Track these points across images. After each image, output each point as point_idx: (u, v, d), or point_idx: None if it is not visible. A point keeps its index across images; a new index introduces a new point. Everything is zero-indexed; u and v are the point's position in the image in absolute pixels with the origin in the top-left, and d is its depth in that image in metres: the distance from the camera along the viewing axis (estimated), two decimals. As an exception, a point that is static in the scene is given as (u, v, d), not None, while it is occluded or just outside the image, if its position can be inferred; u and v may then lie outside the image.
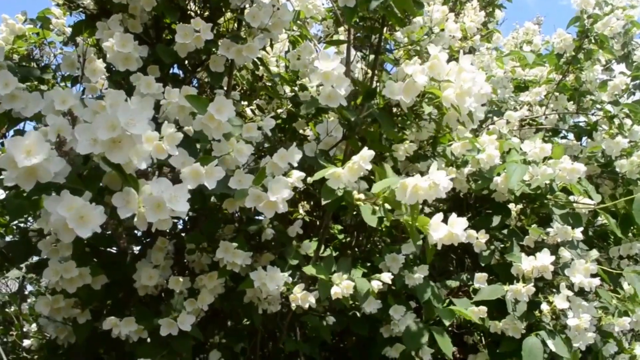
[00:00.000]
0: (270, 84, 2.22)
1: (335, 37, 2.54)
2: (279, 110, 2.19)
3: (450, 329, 2.58)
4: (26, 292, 2.68)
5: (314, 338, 1.99)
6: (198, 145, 1.42)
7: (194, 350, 1.83)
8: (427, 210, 2.69)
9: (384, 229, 2.34)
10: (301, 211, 2.24)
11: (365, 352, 2.13)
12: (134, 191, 1.13)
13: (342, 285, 1.52)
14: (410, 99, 1.59)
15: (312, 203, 2.18)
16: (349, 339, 2.41)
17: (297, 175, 1.44)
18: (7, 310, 2.69)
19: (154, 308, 1.61)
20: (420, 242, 1.59)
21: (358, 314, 2.09)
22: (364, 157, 1.45)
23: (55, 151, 1.08)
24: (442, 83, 1.60)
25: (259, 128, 1.55)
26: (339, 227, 2.50)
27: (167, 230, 1.81)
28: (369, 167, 1.47)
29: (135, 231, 1.88)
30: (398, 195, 1.40)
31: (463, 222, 1.43)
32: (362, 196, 1.53)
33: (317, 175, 1.51)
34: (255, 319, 1.76)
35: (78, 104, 1.24)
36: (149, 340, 1.53)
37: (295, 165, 1.47)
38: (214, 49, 1.63)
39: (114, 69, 1.58)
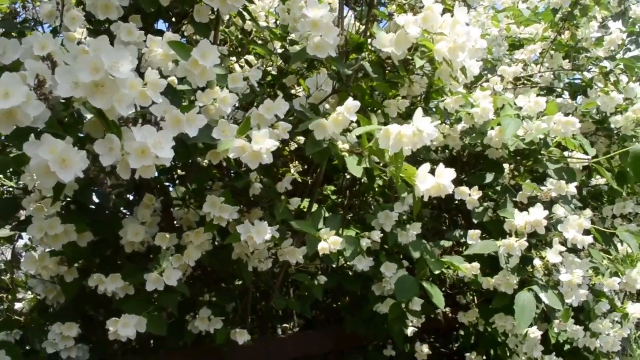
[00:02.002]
0: (260, 41, 2.16)
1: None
2: (269, 68, 2.14)
3: (443, 289, 2.59)
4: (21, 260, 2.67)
5: (305, 297, 1.98)
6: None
7: (183, 308, 1.82)
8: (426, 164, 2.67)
9: (377, 189, 2.32)
10: (292, 171, 2.22)
11: (357, 310, 2.13)
12: (117, 138, 1.09)
13: (329, 241, 1.49)
14: (402, 52, 1.54)
15: (305, 166, 2.15)
16: (342, 299, 2.41)
17: (283, 126, 1.40)
18: (2, 277, 2.68)
19: (141, 265, 1.59)
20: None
21: (350, 273, 2.09)
22: (349, 108, 1.41)
23: (34, 93, 1.03)
24: (435, 36, 1.55)
25: (245, 79, 1.51)
26: (332, 188, 2.48)
27: (156, 186, 1.79)
28: (354, 118, 1.44)
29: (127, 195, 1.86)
30: (381, 143, 1.36)
31: (451, 172, 1.38)
32: (346, 146, 1.49)
33: (302, 127, 1.48)
34: (245, 276, 1.74)
35: (58, 50, 1.19)
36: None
37: (282, 117, 1.43)
38: (198, -1, 1.57)
39: (93, 20, 1.53)
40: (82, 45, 1.16)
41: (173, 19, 1.82)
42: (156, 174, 1.77)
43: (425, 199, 1.43)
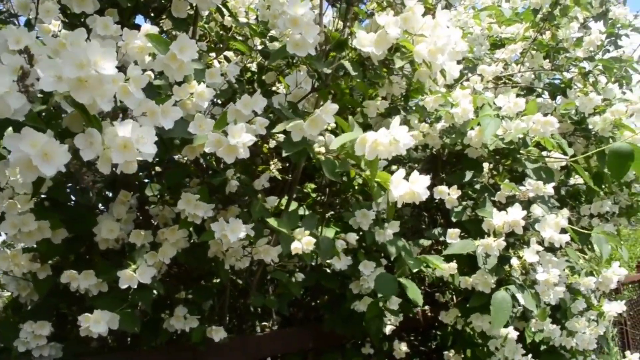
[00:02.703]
0: (240, 37, 2.15)
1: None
2: (249, 64, 2.13)
3: (422, 287, 2.60)
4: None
5: (284, 295, 1.98)
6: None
7: (159, 306, 1.80)
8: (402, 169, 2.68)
9: (357, 187, 2.32)
10: (272, 169, 2.21)
11: (336, 309, 2.13)
12: (98, 133, 1.08)
13: (303, 241, 1.49)
14: (382, 52, 1.53)
15: (286, 164, 2.14)
16: (321, 297, 2.41)
17: (260, 122, 1.39)
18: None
19: (116, 262, 1.57)
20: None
21: (329, 271, 2.09)
22: (327, 110, 1.41)
23: (16, 85, 1.01)
24: (416, 37, 1.55)
25: (223, 75, 1.49)
26: (313, 185, 2.47)
27: (133, 183, 1.77)
28: (332, 120, 1.44)
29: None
30: (357, 149, 1.36)
31: (425, 179, 1.38)
32: (323, 149, 1.49)
33: (279, 127, 1.47)
34: (222, 274, 1.73)
35: (34, 44, 1.17)
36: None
37: (260, 112, 1.42)
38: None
39: (69, 12, 1.50)
40: (59, 39, 1.14)
41: (152, 14, 1.80)
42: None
43: (399, 204, 1.43)
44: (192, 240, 1.65)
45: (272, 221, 1.52)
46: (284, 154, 1.43)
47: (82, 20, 1.45)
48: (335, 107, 1.42)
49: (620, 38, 2.66)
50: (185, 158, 1.56)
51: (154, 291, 1.54)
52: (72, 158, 1.07)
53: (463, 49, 1.59)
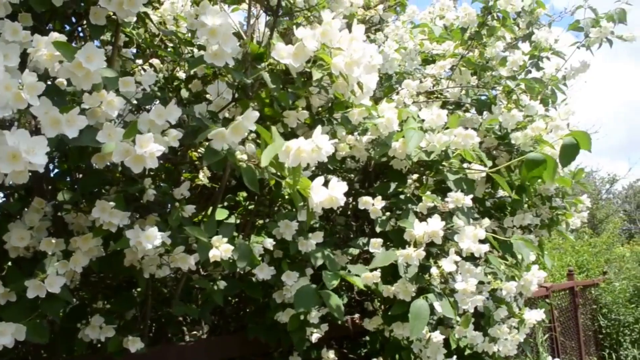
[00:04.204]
0: (171, 44, 2.14)
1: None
2: (177, 73, 2.13)
3: (350, 295, 2.64)
4: None
5: (207, 303, 1.97)
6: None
7: (76, 315, 1.77)
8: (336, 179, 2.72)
9: (286, 196, 2.34)
10: (201, 177, 2.21)
11: (262, 317, 2.14)
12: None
13: (221, 248, 1.50)
14: (300, 64, 1.57)
15: (221, 172, 2.14)
16: (249, 306, 2.42)
17: (173, 134, 1.40)
18: None
19: (28, 271, 1.53)
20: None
21: (254, 280, 2.09)
22: (248, 118, 1.43)
23: None
24: (333, 50, 1.60)
25: (138, 83, 1.49)
26: (244, 194, 2.48)
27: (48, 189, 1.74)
28: (253, 127, 1.46)
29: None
30: (281, 157, 1.39)
31: (343, 186, 1.45)
32: (244, 157, 1.51)
33: (201, 137, 1.48)
34: (141, 283, 1.72)
35: None
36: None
37: (174, 122, 1.42)
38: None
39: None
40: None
41: (73, 19, 1.77)
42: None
43: (319, 210, 1.48)
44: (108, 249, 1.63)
45: (190, 229, 1.52)
46: (204, 163, 1.44)
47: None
48: (256, 114, 1.45)
49: (542, 60, 2.79)
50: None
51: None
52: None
53: (378, 63, 1.64)
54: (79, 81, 1.26)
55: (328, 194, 1.45)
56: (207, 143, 1.84)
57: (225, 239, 1.53)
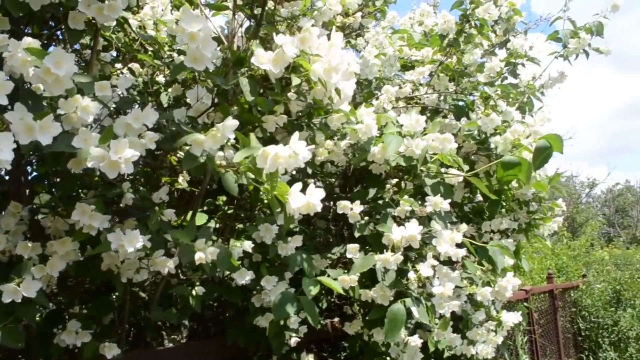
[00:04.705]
0: (151, 49, 2.15)
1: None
2: (157, 77, 2.13)
3: (330, 299, 2.66)
4: None
5: (185, 308, 1.97)
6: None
7: (53, 320, 1.76)
8: (317, 184, 2.74)
9: (266, 201, 2.35)
10: (180, 181, 2.21)
11: (241, 321, 2.14)
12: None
13: (207, 251, 1.51)
14: (279, 70, 1.59)
15: (201, 176, 2.15)
16: (228, 310, 2.42)
17: (149, 137, 1.41)
18: None
19: (3, 275, 1.52)
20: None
21: (233, 285, 2.10)
22: (227, 126, 1.45)
23: None
24: (312, 57, 1.62)
25: (114, 87, 1.49)
26: (224, 198, 2.49)
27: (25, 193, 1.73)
28: (232, 135, 1.47)
29: None
30: (259, 162, 1.41)
31: (320, 192, 1.48)
32: (223, 163, 1.52)
33: (179, 142, 1.49)
34: (119, 288, 1.72)
35: None
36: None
37: (151, 126, 1.43)
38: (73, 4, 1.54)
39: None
40: None
41: (52, 22, 1.77)
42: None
43: (296, 216, 1.50)
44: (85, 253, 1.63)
45: (173, 232, 1.53)
46: (183, 169, 1.45)
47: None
48: (235, 122, 1.46)
49: (517, 67, 2.85)
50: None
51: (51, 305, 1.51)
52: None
53: (356, 70, 1.67)
54: (49, 87, 1.26)
55: (306, 200, 1.47)
56: (187, 148, 1.86)
57: (210, 243, 1.54)
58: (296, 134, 1.44)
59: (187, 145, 1.62)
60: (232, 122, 1.47)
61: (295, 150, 1.42)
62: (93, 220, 1.48)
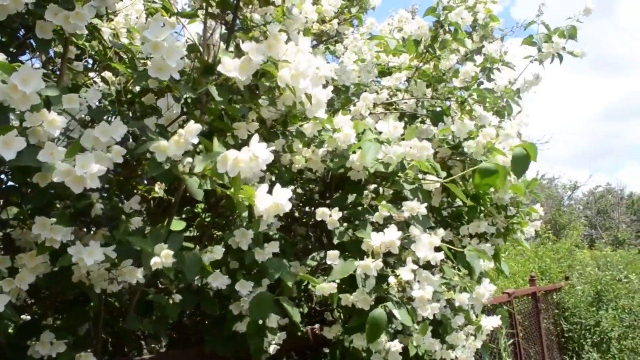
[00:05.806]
0: (125, 56, 2.13)
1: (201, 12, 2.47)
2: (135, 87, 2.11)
3: (311, 306, 2.65)
4: None
5: (162, 317, 1.96)
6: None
7: (28, 331, 1.73)
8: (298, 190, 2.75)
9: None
10: (157, 189, 2.19)
11: (219, 329, 2.13)
12: None
13: (162, 255, 1.49)
14: (246, 77, 1.59)
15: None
16: (207, 319, 2.40)
17: (116, 150, 1.39)
18: None
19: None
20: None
21: (211, 293, 2.09)
22: (190, 131, 1.45)
23: None
24: (280, 63, 1.62)
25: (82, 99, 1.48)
26: (202, 206, 2.47)
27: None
28: (196, 140, 1.47)
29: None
30: (219, 167, 1.41)
31: (287, 192, 1.47)
32: (187, 169, 1.51)
33: (141, 149, 1.48)
34: (93, 298, 1.69)
35: None
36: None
37: (119, 139, 1.42)
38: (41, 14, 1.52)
39: None
40: None
41: (22, 31, 1.75)
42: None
43: (265, 218, 1.49)
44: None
45: (132, 239, 1.51)
46: (148, 176, 1.44)
47: None
48: (198, 127, 1.46)
49: (493, 72, 2.87)
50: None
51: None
52: None
53: (326, 74, 1.67)
54: (15, 103, 1.24)
55: (273, 200, 1.46)
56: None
57: (167, 246, 1.52)
58: (255, 137, 1.43)
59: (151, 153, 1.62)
60: (195, 127, 1.46)
61: (255, 153, 1.41)
62: (55, 234, 1.45)
